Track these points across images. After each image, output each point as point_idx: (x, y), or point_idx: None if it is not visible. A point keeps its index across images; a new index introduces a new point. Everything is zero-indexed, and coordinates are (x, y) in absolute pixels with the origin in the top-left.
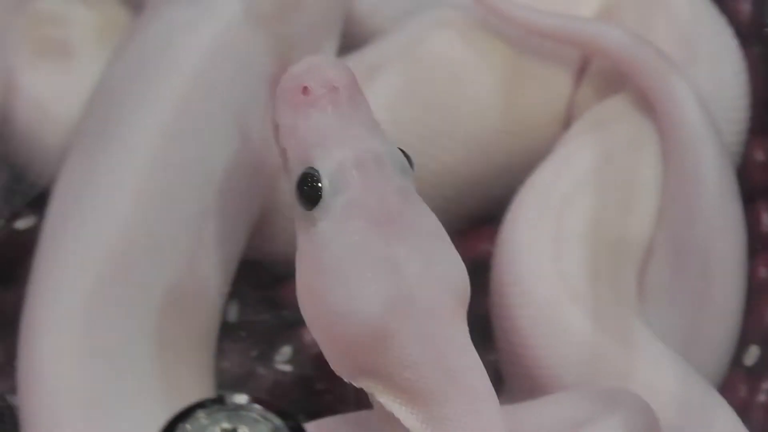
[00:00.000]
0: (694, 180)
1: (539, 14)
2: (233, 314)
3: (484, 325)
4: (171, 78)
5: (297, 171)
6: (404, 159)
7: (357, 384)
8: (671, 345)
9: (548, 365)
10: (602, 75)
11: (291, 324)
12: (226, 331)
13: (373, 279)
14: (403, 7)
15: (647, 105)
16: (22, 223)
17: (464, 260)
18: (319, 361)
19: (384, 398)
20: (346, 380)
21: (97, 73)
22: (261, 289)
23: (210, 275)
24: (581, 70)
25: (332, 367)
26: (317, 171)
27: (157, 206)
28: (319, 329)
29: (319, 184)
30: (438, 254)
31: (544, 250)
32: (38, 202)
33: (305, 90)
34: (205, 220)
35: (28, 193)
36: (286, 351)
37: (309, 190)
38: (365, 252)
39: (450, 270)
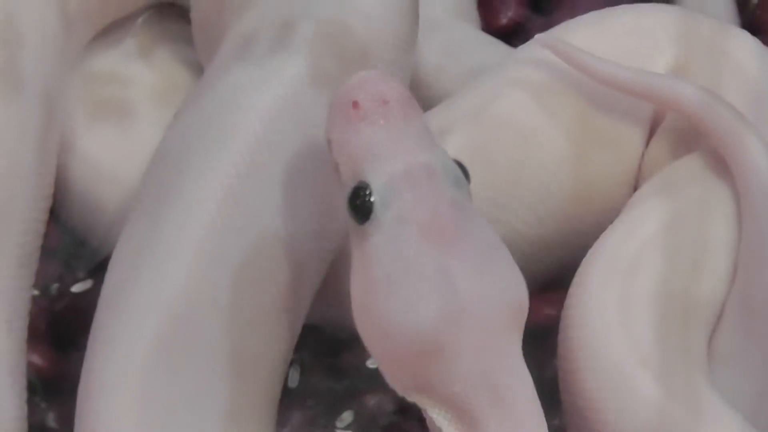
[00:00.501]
0: None
1: (614, 66)
2: (294, 380)
3: (551, 389)
4: (233, 141)
5: (348, 185)
6: (458, 171)
7: (410, 398)
8: (741, 410)
9: (615, 430)
10: (672, 136)
11: (353, 390)
12: (287, 397)
13: (426, 292)
14: (469, 65)
15: (719, 165)
16: (79, 287)
17: (530, 324)
18: (379, 425)
19: (434, 413)
20: (400, 393)
21: (157, 135)
22: (323, 355)
23: (273, 340)
24: (651, 132)
25: (387, 380)
26: (368, 185)
27: (217, 270)
28: (374, 343)
29: (370, 199)
30: (492, 267)
31: (612, 313)
32: (98, 266)
33: (356, 104)
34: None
35: (90, 259)
36: (346, 417)
37: (360, 205)
38: (417, 265)
39: (505, 283)
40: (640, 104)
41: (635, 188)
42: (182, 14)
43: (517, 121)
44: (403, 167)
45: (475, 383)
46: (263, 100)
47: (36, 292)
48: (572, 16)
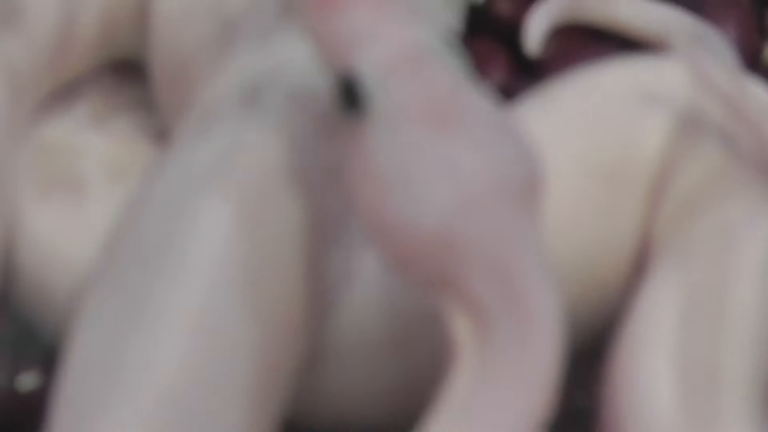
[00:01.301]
0: None
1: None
2: None
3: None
4: (198, 248)
5: (335, 76)
6: (456, 48)
7: (428, 293)
8: None
9: None
10: (682, 201)
11: None
12: None
13: (432, 182)
14: None
15: (737, 226)
16: (26, 382)
17: None
18: None
19: (449, 308)
20: (419, 286)
21: (112, 212)
22: None
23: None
24: (655, 200)
25: (404, 277)
26: (357, 72)
27: (195, 385)
28: (384, 244)
29: (362, 88)
30: (499, 147)
31: (642, 387)
32: (45, 356)
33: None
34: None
35: (36, 346)
36: None
37: (350, 95)
38: (421, 155)
39: (514, 162)
40: (637, 170)
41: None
42: (139, 75)
43: None
44: (395, 49)
45: (486, 273)
46: (230, 181)
47: None
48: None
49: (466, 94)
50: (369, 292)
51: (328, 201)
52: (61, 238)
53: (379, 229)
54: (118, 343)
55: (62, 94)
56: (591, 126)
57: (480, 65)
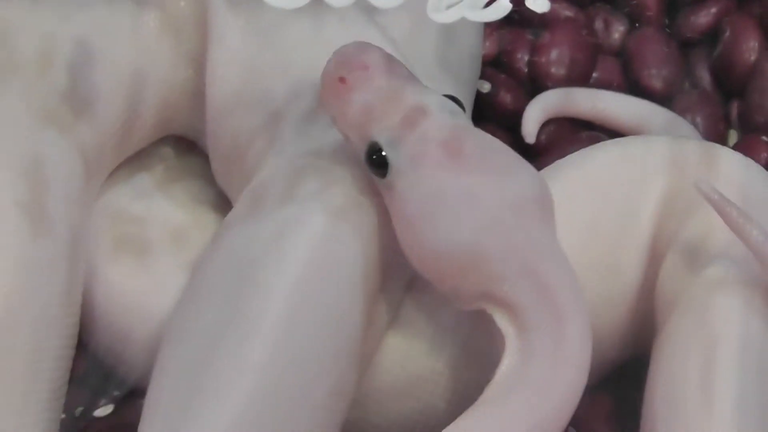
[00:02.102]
0: None
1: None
2: None
3: None
4: (268, 301)
5: (362, 149)
6: (452, 103)
7: (473, 308)
8: None
9: None
10: (685, 256)
11: None
12: None
13: (457, 212)
14: None
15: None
16: (100, 411)
17: None
18: None
19: (495, 314)
20: (466, 308)
21: (178, 274)
22: None
23: None
24: (657, 256)
25: (453, 301)
26: (376, 142)
27: (276, 398)
28: (431, 271)
29: (382, 153)
30: (509, 170)
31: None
32: (118, 389)
33: (342, 80)
34: None
35: (115, 386)
36: None
37: (376, 160)
38: (442, 192)
39: (525, 181)
40: (637, 231)
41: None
42: (195, 146)
43: None
44: (399, 116)
45: (518, 277)
46: (292, 253)
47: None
48: None
49: (468, 134)
50: (412, 334)
51: (375, 256)
52: (132, 292)
53: (426, 260)
54: (203, 363)
55: (128, 165)
56: (592, 195)
57: None
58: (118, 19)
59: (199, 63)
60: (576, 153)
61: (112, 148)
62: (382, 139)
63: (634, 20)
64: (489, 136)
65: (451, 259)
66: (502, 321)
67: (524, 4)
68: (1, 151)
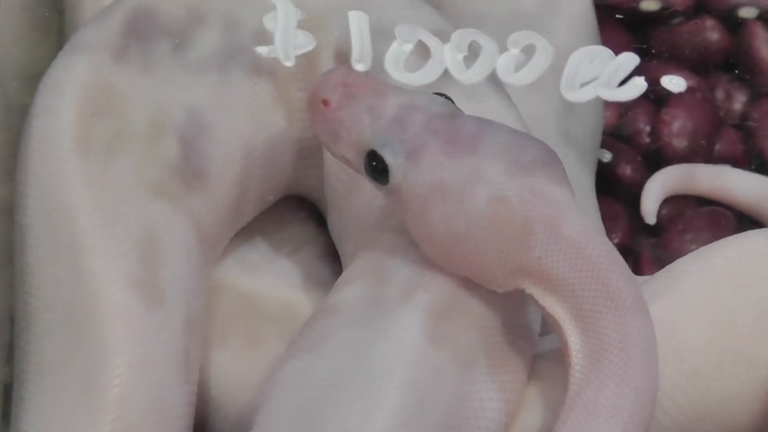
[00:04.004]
0: None
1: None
2: None
3: None
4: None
5: (361, 163)
6: (439, 97)
7: (511, 288)
8: None
9: None
10: None
11: None
12: None
13: (466, 191)
14: None
15: None
16: None
17: None
18: None
19: (534, 291)
20: (502, 290)
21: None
22: None
23: None
24: None
25: (489, 286)
26: (372, 150)
27: None
28: (458, 263)
29: (381, 158)
30: (509, 142)
31: None
32: None
33: (326, 102)
34: None
35: None
36: None
37: (376, 167)
38: (447, 178)
39: (528, 148)
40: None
41: None
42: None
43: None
44: (388, 118)
45: (545, 240)
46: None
47: None
48: (681, 238)
49: (460, 118)
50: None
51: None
52: (236, 381)
53: (450, 251)
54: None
55: (235, 237)
56: (734, 284)
57: (604, 223)
58: (231, 88)
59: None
60: (721, 241)
61: (226, 220)
62: (376, 145)
63: (756, 89)
64: (479, 117)
65: (472, 237)
66: (545, 299)
67: (659, 83)
68: (113, 223)
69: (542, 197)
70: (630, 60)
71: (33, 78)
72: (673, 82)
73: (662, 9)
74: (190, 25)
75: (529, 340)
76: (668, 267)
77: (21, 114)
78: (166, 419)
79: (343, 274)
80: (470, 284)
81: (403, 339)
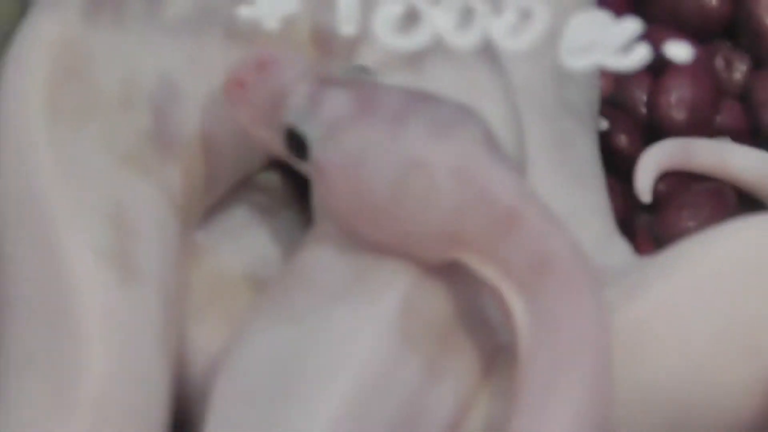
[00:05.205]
0: None
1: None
2: None
3: None
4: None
5: (279, 140)
6: (357, 68)
7: (446, 258)
8: None
9: None
10: None
11: None
12: None
13: (390, 162)
14: None
15: None
16: None
17: None
18: None
19: (470, 260)
20: (435, 261)
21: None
22: None
23: None
24: None
25: (420, 256)
26: (290, 123)
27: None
28: (388, 235)
29: (298, 131)
30: (430, 109)
31: None
32: None
33: (241, 83)
34: None
35: None
36: None
37: (295, 142)
38: (366, 144)
39: (449, 113)
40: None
41: None
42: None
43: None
44: (304, 93)
45: (475, 207)
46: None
47: None
48: (679, 215)
49: (378, 85)
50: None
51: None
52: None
53: (372, 220)
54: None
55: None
56: (738, 275)
57: None
58: (205, 52)
59: None
60: (726, 225)
61: (201, 191)
62: (294, 119)
63: (757, 59)
64: (393, 86)
65: (397, 206)
66: (482, 270)
67: (657, 50)
68: (84, 196)
69: (467, 160)
70: (633, 26)
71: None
72: (679, 50)
73: None
74: None
75: (488, 331)
76: (669, 250)
77: None
78: (146, 401)
79: (315, 231)
80: (432, 276)
81: (365, 328)
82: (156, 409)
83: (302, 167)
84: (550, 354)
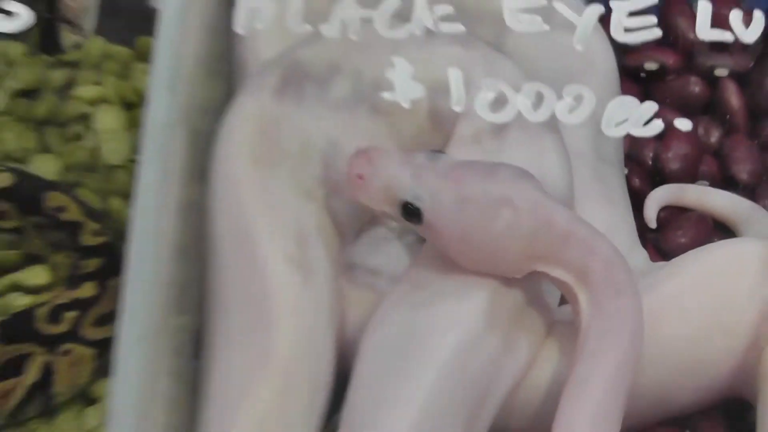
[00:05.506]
0: None
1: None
2: None
3: None
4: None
5: (397, 212)
6: (434, 153)
7: (527, 272)
8: None
9: None
10: None
11: None
12: None
13: (485, 212)
14: None
15: None
16: None
17: None
18: None
19: (548, 270)
20: (520, 276)
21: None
22: None
23: None
24: None
25: (507, 275)
26: (405, 200)
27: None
28: (486, 265)
29: (413, 204)
30: (497, 170)
31: None
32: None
33: (360, 176)
34: None
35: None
36: None
37: (411, 212)
38: (463, 205)
39: (510, 171)
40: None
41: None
42: None
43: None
44: (408, 176)
45: (550, 235)
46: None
47: None
48: (675, 234)
49: (457, 161)
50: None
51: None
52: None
53: (474, 257)
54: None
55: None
56: (708, 287)
57: None
58: (358, 122)
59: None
60: (706, 246)
61: (355, 217)
62: (406, 197)
63: (727, 127)
64: (469, 159)
65: (494, 244)
66: (557, 275)
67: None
68: (277, 219)
69: (536, 199)
70: (651, 107)
71: (209, 111)
72: (682, 123)
73: (660, 68)
74: (329, 75)
75: (546, 313)
76: (672, 261)
77: (203, 137)
78: (319, 367)
79: (425, 248)
80: (506, 280)
81: (462, 314)
82: (325, 372)
83: (414, 228)
84: (601, 323)
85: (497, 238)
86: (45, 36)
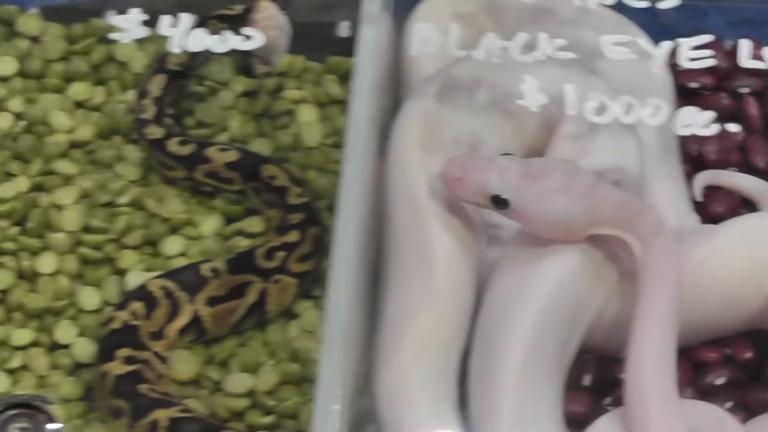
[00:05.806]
0: None
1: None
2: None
3: None
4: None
5: (489, 204)
6: (512, 155)
7: (590, 234)
8: None
9: None
10: None
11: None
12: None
13: (562, 198)
14: None
15: None
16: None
17: None
18: None
19: (609, 231)
20: (583, 239)
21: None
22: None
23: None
24: None
25: (575, 240)
26: (495, 194)
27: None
28: (563, 236)
29: (501, 196)
30: (562, 164)
31: None
32: None
33: (458, 179)
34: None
35: None
36: None
37: (500, 203)
38: (542, 194)
39: (573, 165)
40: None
41: None
42: None
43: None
44: (496, 175)
45: (610, 209)
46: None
47: None
48: (712, 204)
49: (532, 160)
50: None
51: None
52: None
53: (554, 230)
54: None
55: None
56: (746, 245)
57: None
58: (494, 123)
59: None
60: (737, 218)
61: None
62: (496, 191)
63: (748, 129)
64: (541, 158)
65: (569, 222)
66: (617, 234)
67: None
68: (436, 189)
69: (587, 185)
70: (710, 115)
71: (377, 119)
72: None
73: (700, 87)
74: (474, 86)
75: (617, 264)
76: (715, 225)
77: (384, 129)
78: (466, 300)
79: (520, 229)
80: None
81: (558, 267)
82: (471, 303)
83: (503, 214)
84: (654, 273)
85: (572, 219)
86: (241, 64)
